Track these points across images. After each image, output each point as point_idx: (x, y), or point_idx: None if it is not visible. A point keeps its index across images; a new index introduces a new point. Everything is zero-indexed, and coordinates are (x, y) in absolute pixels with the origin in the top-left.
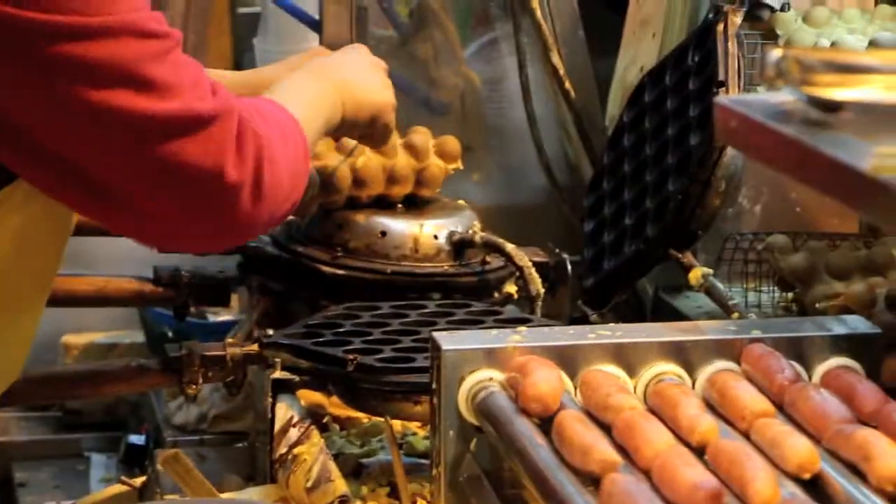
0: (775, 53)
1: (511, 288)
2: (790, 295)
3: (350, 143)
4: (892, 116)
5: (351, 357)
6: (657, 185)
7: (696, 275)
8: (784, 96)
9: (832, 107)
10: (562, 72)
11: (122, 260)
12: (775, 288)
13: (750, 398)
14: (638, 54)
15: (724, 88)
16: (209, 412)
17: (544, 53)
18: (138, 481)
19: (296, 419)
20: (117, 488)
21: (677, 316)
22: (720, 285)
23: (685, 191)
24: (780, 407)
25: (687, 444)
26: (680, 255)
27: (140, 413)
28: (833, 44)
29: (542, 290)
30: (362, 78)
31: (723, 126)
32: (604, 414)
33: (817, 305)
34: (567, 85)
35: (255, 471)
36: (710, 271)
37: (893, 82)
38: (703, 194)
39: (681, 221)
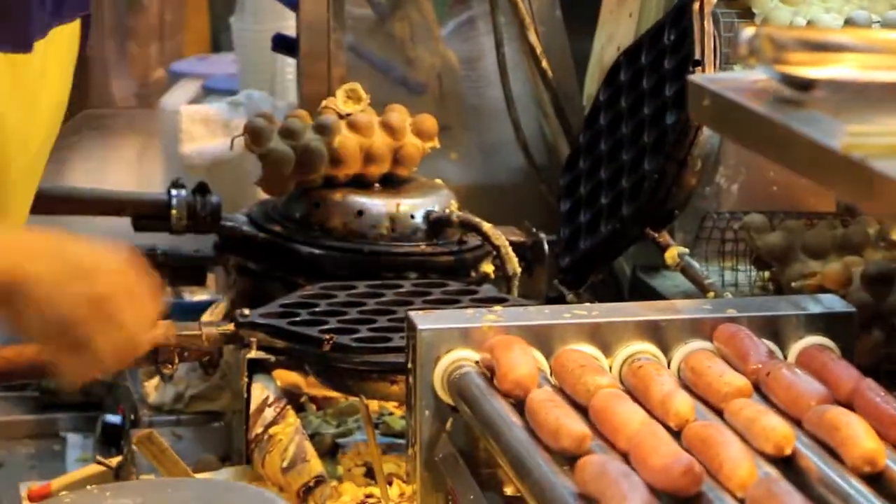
0: (748, 32)
1: (488, 267)
2: (767, 274)
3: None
4: (865, 94)
5: (327, 337)
6: (633, 163)
7: (671, 254)
8: (758, 75)
9: (805, 85)
10: (539, 51)
11: (98, 238)
12: (752, 267)
13: (725, 377)
14: (615, 33)
15: (700, 67)
16: (185, 392)
17: (521, 32)
18: (114, 461)
19: (271, 399)
20: (93, 468)
21: (654, 295)
22: (696, 264)
23: (661, 170)
24: (755, 386)
25: (663, 424)
26: (656, 235)
27: (117, 393)
28: (809, 22)
29: (519, 270)
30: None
31: (696, 105)
32: (578, 394)
33: (793, 284)
34: (544, 64)
35: (231, 451)
36: (686, 250)
37: (866, 61)
38: (679, 173)
39: (657, 200)
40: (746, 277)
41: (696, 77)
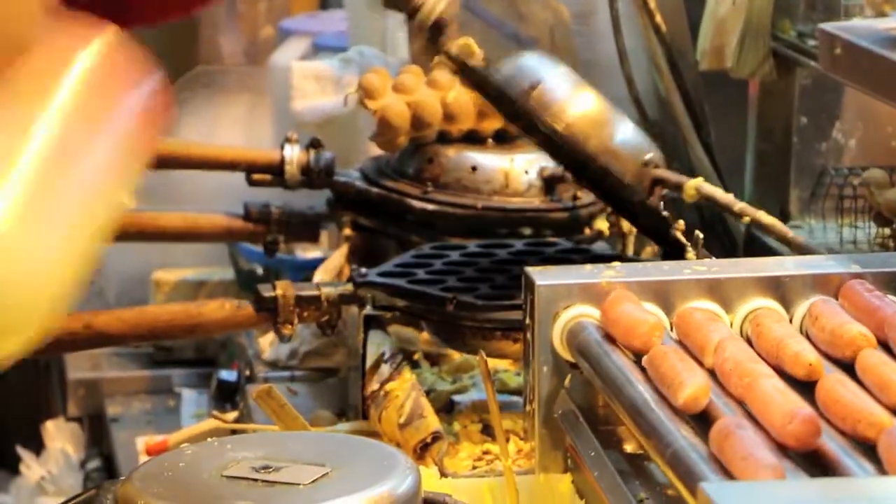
0: None
1: (602, 224)
2: (888, 230)
3: (444, 77)
4: None
5: (450, 296)
6: None
7: (689, 191)
8: (891, 22)
9: None
10: (652, 5)
11: (211, 195)
12: (872, 223)
13: (853, 329)
14: None
15: None
16: (300, 348)
17: None
18: (230, 416)
19: (387, 355)
20: (210, 423)
21: (769, 252)
22: (718, 191)
23: None
24: (883, 343)
25: (785, 375)
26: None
27: (231, 349)
28: None
29: (634, 227)
30: None
31: (827, 54)
32: (698, 350)
33: None
34: (658, 19)
35: (346, 407)
36: (700, 180)
37: None
38: None
39: None
40: (865, 234)
41: (828, 25)
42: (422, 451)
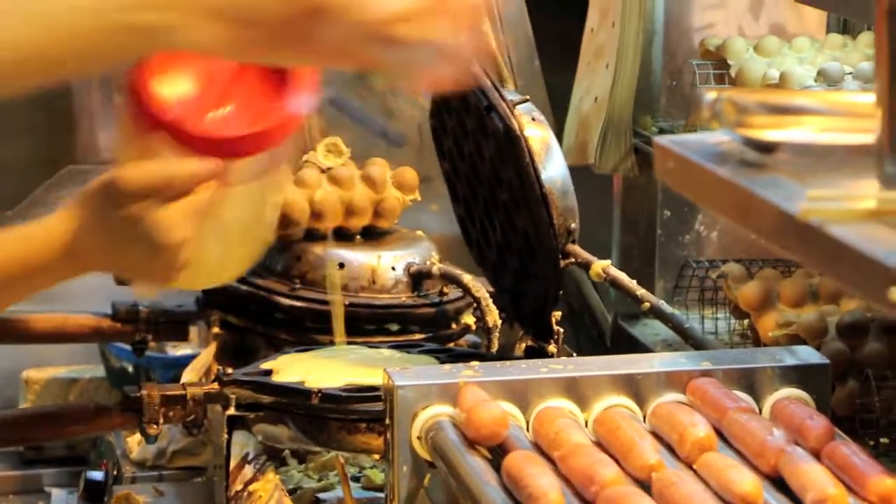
0: (710, 95)
1: (469, 319)
2: (745, 322)
3: (312, 176)
4: (827, 158)
5: (315, 389)
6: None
7: (596, 270)
8: (722, 136)
9: (768, 148)
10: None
11: (81, 294)
12: (731, 315)
13: (696, 429)
14: (592, 85)
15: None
16: (168, 448)
17: (499, 82)
18: None
19: (251, 455)
20: None
21: (635, 343)
22: (623, 275)
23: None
24: (725, 438)
25: (633, 477)
26: (573, 259)
27: (101, 448)
28: (783, 74)
29: (500, 322)
30: None
31: (662, 166)
32: (554, 449)
33: (770, 334)
34: None
35: None
36: (608, 262)
37: (827, 123)
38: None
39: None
40: (726, 325)
41: (662, 139)
42: None
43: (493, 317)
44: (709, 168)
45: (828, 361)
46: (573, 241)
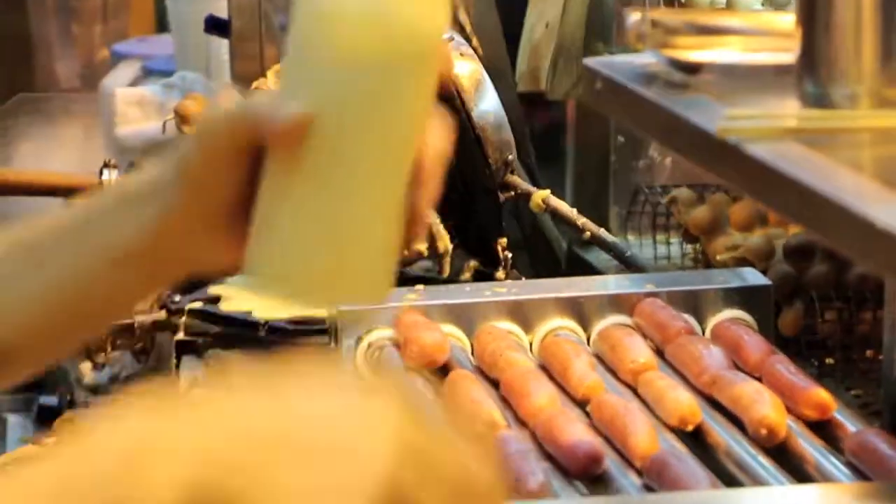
0: (634, 16)
1: (421, 245)
2: (697, 246)
3: None
4: (750, 77)
5: (262, 320)
6: None
7: (536, 200)
8: (650, 58)
9: (692, 68)
10: (469, 28)
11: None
12: (682, 240)
13: (636, 352)
14: (544, 10)
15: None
16: (121, 373)
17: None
18: (52, 441)
19: (201, 381)
20: (28, 449)
21: (590, 269)
22: (564, 204)
23: None
24: (667, 360)
25: (573, 399)
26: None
27: (54, 375)
28: None
29: (451, 247)
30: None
31: (589, 88)
32: (495, 371)
33: (718, 257)
34: (475, 42)
35: None
36: (548, 192)
37: (751, 43)
38: None
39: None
40: (679, 250)
41: (591, 60)
42: None
43: (444, 242)
44: (634, 89)
45: (770, 283)
46: (511, 172)
